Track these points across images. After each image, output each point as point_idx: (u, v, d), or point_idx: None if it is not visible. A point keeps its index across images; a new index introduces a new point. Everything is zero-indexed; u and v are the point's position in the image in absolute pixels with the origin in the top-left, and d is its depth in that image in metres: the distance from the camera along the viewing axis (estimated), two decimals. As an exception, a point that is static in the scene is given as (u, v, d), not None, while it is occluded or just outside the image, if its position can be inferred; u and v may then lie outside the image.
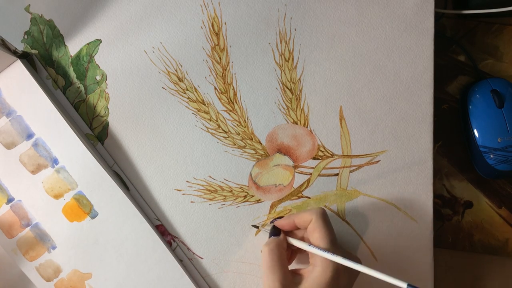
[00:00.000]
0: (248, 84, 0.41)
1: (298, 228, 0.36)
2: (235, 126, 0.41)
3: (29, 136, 0.40)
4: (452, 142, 0.46)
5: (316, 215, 0.34)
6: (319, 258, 0.33)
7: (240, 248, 0.41)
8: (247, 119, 0.41)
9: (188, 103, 0.41)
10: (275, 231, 0.36)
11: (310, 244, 0.34)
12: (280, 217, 0.37)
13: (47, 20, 0.41)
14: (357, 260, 0.34)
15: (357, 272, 0.34)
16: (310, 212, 0.34)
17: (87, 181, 0.40)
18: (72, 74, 0.41)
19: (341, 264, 0.32)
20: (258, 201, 0.41)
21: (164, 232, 0.41)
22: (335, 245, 0.33)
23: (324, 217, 0.34)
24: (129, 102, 0.41)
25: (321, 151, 0.41)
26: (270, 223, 0.37)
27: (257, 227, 0.40)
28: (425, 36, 0.41)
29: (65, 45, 0.41)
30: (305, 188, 0.41)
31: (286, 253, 0.35)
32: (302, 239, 0.37)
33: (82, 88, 0.41)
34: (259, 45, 0.41)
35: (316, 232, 0.34)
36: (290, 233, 0.37)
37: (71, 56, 0.41)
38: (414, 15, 0.41)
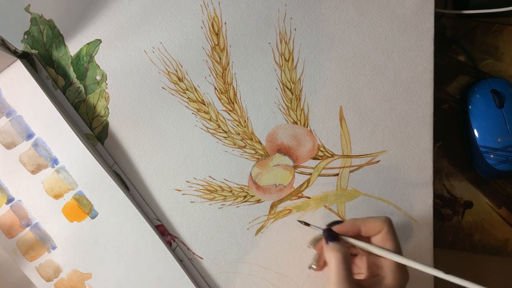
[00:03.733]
0: (248, 84, 0.41)
1: (359, 235, 0.33)
2: (235, 126, 0.41)
3: (29, 136, 0.40)
4: (452, 142, 0.46)
5: (388, 224, 0.32)
6: (390, 269, 0.31)
7: (240, 248, 0.41)
8: (247, 119, 0.41)
9: (188, 103, 0.41)
10: (332, 235, 0.33)
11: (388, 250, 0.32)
12: (338, 222, 0.34)
13: (47, 20, 0.41)
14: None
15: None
16: (380, 220, 0.32)
17: (87, 181, 0.40)
18: (72, 74, 0.41)
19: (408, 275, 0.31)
20: (258, 201, 0.41)
21: (164, 232, 0.41)
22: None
23: (393, 228, 0.33)
24: (129, 102, 0.41)
25: (321, 151, 0.41)
26: (327, 225, 0.34)
27: (307, 224, 0.36)
28: (425, 36, 0.41)
29: (65, 45, 0.41)
30: (305, 188, 0.41)
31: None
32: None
33: (82, 88, 0.41)
34: (259, 45, 0.41)
35: (389, 243, 0.32)
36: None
37: (71, 56, 0.41)
38: (414, 15, 0.41)
